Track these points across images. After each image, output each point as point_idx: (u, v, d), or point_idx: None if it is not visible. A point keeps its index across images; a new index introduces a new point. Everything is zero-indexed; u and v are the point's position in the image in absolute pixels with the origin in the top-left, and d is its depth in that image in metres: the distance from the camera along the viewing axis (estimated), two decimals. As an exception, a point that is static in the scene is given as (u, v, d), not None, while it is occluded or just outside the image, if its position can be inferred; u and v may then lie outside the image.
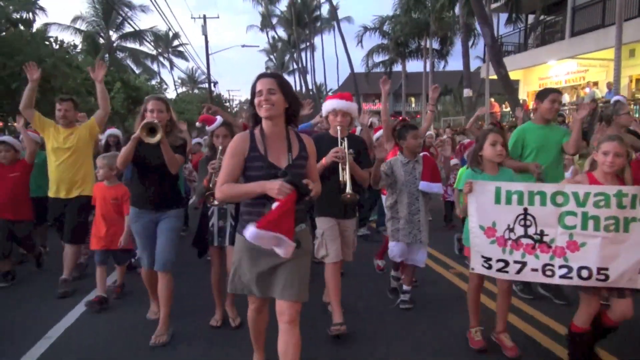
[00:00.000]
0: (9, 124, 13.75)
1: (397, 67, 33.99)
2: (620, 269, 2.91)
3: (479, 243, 3.19)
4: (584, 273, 2.95)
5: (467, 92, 16.07)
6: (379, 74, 31.50)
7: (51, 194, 4.84)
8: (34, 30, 14.38)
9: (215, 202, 3.57)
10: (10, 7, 12.54)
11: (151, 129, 3.39)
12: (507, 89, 12.32)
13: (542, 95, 4.26)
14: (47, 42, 13.04)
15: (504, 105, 21.57)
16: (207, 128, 3.92)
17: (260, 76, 2.53)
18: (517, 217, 3.09)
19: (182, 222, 3.96)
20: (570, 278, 3.00)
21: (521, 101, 19.84)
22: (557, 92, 4.30)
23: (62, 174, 4.76)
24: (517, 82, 22.74)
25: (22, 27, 13.02)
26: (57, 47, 13.12)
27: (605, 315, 3.05)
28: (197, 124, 4.79)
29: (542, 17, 20.48)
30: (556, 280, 3.06)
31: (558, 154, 4.20)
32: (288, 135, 2.59)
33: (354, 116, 3.87)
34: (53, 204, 4.86)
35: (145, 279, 3.96)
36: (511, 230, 3.10)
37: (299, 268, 2.55)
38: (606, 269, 2.92)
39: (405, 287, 4.40)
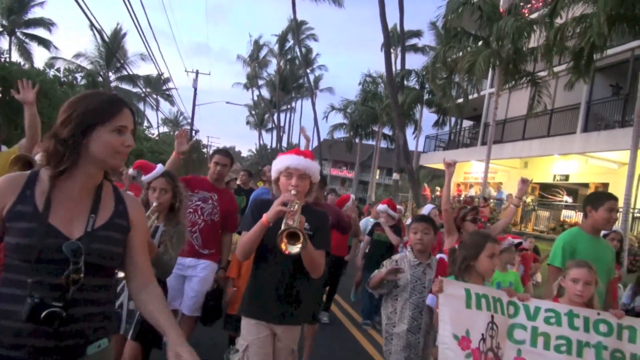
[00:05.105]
0: None
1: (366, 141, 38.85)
2: None
3: (451, 357, 2.59)
4: None
5: (395, 176, 20.25)
6: (343, 143, 36.41)
7: None
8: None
9: (121, 274, 1.99)
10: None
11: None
12: (412, 181, 16.41)
13: (596, 201, 3.55)
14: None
15: (437, 189, 25.95)
16: (143, 178, 3.14)
17: (125, 104, 1.60)
18: (488, 324, 2.64)
19: None
20: None
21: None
22: (614, 198, 3.57)
23: None
24: (447, 172, 27.18)
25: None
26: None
27: None
28: (131, 171, 4.08)
29: (465, 124, 25.38)
30: None
31: (606, 277, 3.48)
32: (99, 190, 1.60)
33: (315, 180, 2.74)
34: None
35: None
36: (484, 340, 2.62)
37: None
38: None
39: None
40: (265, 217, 2.44)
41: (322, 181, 4.16)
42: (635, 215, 13.99)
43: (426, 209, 4.56)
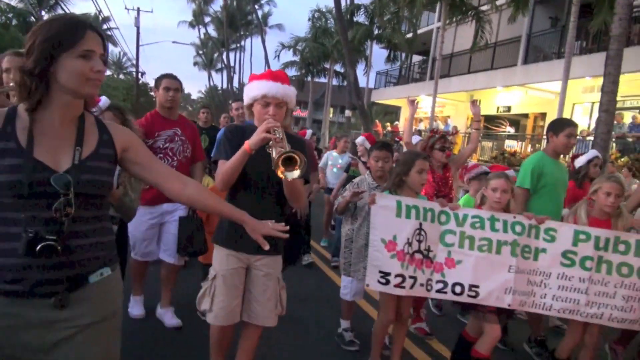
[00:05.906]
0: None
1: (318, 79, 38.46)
2: (489, 287, 3.07)
3: (378, 257, 3.09)
4: (457, 289, 3.10)
5: (347, 113, 20.65)
6: (295, 81, 35.96)
7: None
8: None
9: None
10: None
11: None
12: (364, 117, 16.86)
13: (556, 127, 3.81)
14: None
15: (387, 124, 26.61)
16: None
17: (90, 27, 1.49)
18: (415, 231, 3.09)
19: None
20: (445, 293, 3.13)
21: (395, 124, 24.87)
22: (574, 125, 3.83)
23: None
24: (399, 108, 27.88)
25: None
26: None
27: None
28: None
29: (415, 60, 25.77)
30: (432, 295, 3.17)
31: (564, 194, 3.96)
32: (81, 122, 1.57)
33: (291, 107, 2.57)
34: None
35: None
36: (410, 244, 3.08)
37: (95, 342, 1.57)
38: (477, 287, 3.08)
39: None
40: (248, 144, 2.27)
41: None
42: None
43: (414, 140, 4.77)
